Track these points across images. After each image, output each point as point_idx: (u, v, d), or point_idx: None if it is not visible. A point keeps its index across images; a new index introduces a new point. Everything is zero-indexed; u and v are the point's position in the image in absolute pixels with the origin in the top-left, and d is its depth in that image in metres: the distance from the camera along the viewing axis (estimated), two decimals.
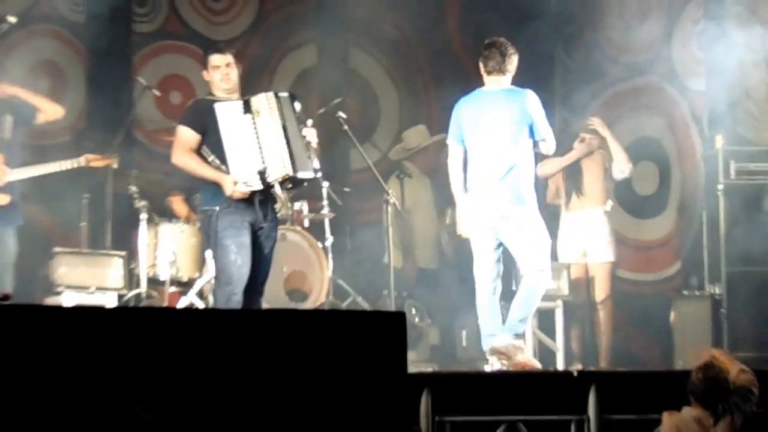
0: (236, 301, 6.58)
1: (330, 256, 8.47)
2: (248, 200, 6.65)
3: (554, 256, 7.99)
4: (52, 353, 3.95)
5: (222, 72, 6.75)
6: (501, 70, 7.01)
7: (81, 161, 7.75)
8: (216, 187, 6.63)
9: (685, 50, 9.47)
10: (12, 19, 7.51)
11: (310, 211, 8.59)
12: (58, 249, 8.15)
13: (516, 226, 6.88)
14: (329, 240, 8.51)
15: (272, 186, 6.63)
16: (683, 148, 9.54)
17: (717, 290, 8.41)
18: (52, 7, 9.29)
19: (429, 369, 7.90)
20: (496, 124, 6.92)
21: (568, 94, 8.49)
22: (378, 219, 9.06)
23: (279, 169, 6.59)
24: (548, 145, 7.07)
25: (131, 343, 4.06)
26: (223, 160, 6.61)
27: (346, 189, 9.18)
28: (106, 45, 9.19)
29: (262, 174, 6.58)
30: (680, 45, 9.50)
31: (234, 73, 6.78)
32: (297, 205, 8.53)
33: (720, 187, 8.43)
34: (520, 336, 7.01)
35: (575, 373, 6.48)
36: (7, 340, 3.90)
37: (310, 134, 6.77)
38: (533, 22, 9.06)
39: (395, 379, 4.43)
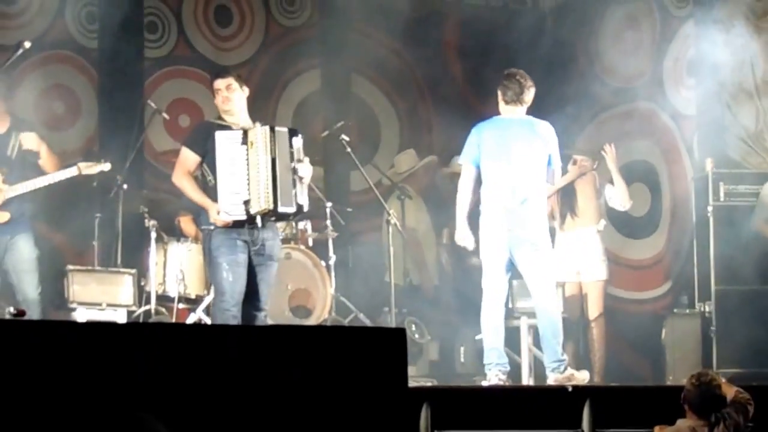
0: (231, 316, 6.60)
1: (333, 273, 8.51)
2: (243, 222, 6.69)
3: None
4: (66, 367, 4.10)
5: (223, 95, 6.83)
6: (519, 101, 7.18)
7: (73, 171, 7.77)
8: None
9: (675, 75, 9.55)
10: (27, 45, 7.53)
11: (314, 230, 8.64)
12: (71, 267, 8.17)
13: (533, 248, 7.04)
14: (332, 258, 8.56)
15: (255, 217, 6.67)
16: (674, 170, 9.60)
17: (707, 308, 8.46)
18: (66, 32, 9.30)
19: (428, 383, 7.89)
20: (521, 149, 7.08)
21: (562, 119, 8.65)
22: (379, 238, 9.13)
23: (261, 202, 6.64)
24: (555, 175, 7.30)
25: (141, 357, 4.22)
26: None
27: (349, 209, 9.22)
28: (117, 70, 9.26)
29: (246, 204, 6.65)
30: (671, 70, 9.57)
31: (236, 95, 6.83)
32: (301, 225, 8.55)
33: (710, 208, 8.49)
34: (568, 365, 7.11)
35: (570, 388, 6.53)
36: (22, 355, 4.06)
37: (304, 170, 6.80)
38: (529, 49, 9.14)
39: (396, 393, 4.56)
